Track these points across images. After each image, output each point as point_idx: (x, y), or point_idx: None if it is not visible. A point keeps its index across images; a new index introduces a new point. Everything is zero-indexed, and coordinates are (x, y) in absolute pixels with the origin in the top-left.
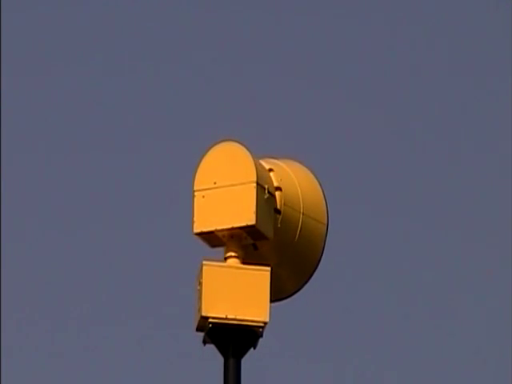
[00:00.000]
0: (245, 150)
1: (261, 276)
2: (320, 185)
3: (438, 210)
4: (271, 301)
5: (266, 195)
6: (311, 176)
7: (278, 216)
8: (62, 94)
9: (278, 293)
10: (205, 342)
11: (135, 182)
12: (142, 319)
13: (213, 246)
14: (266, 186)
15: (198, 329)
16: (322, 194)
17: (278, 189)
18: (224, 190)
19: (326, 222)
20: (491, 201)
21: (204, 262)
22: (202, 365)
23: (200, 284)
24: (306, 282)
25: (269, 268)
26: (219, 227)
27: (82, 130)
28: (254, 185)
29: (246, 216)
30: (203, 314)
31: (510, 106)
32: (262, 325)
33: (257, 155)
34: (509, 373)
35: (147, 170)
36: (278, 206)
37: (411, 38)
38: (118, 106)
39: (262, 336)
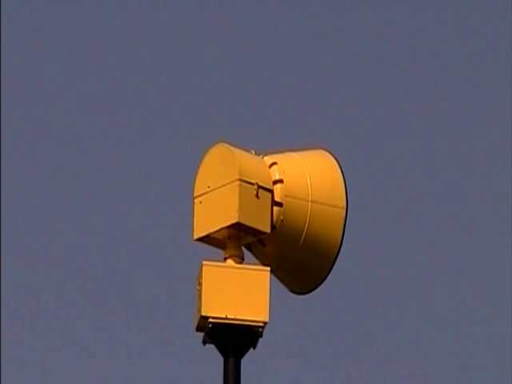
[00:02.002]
0: (230, 149)
1: (261, 276)
2: (340, 168)
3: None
4: (303, 292)
5: (254, 190)
6: (328, 161)
7: (279, 209)
8: (59, 98)
9: (308, 282)
10: (205, 342)
11: (137, 182)
12: (142, 319)
13: (222, 248)
14: (255, 182)
15: (198, 329)
16: (339, 177)
17: (279, 181)
18: (215, 193)
19: (343, 205)
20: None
21: (204, 262)
22: (202, 365)
23: (200, 284)
24: (331, 268)
25: (269, 268)
26: (211, 230)
27: (82, 134)
28: (237, 183)
29: (230, 215)
30: (203, 313)
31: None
32: (261, 325)
33: (270, 150)
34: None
35: (150, 170)
36: (279, 199)
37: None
38: (118, 107)
39: (261, 336)
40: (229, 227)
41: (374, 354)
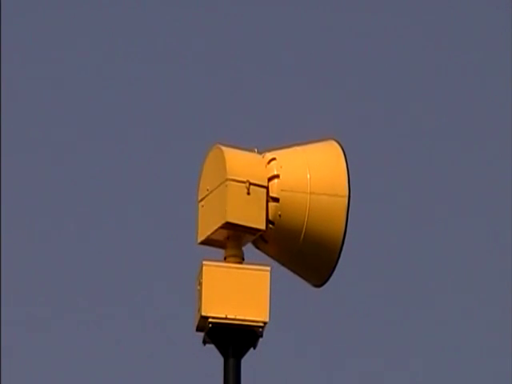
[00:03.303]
0: (221, 150)
1: (261, 276)
2: (345, 157)
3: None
4: (318, 284)
5: (245, 188)
6: (333, 150)
7: (276, 204)
8: (58, 102)
9: (319, 275)
10: (205, 342)
11: (140, 182)
12: (142, 319)
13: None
14: (246, 179)
15: (198, 329)
16: (342, 166)
17: (275, 177)
18: (212, 195)
19: (345, 193)
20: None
21: (204, 262)
22: (202, 365)
23: (200, 284)
24: (338, 258)
25: (269, 268)
26: (209, 232)
27: (85, 138)
28: (226, 182)
29: (221, 215)
30: (203, 313)
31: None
32: (261, 325)
33: (281, 145)
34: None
35: (154, 170)
36: (275, 194)
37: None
38: (119, 107)
39: (262, 336)
40: (222, 228)
41: (375, 354)
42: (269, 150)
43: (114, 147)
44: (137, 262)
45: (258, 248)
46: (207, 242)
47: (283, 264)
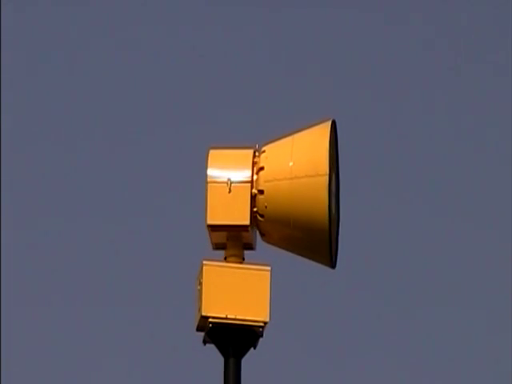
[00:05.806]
0: (207, 153)
1: (261, 276)
2: (331, 135)
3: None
4: (331, 266)
5: (227, 187)
6: (320, 131)
7: (262, 196)
8: (59, 102)
9: (323, 257)
10: (205, 342)
11: (140, 181)
12: (142, 319)
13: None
14: (226, 178)
15: (198, 329)
16: (324, 145)
17: (261, 169)
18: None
19: (325, 171)
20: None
21: (204, 262)
22: (202, 365)
23: (200, 284)
24: (330, 232)
25: (269, 267)
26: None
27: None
28: (208, 186)
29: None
30: (203, 313)
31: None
32: (262, 325)
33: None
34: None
35: (159, 169)
36: (261, 187)
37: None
38: (121, 104)
39: (262, 336)
40: (211, 231)
41: (375, 354)
42: (266, 143)
43: (116, 147)
44: (137, 261)
45: (266, 242)
46: (216, 246)
47: (291, 251)
